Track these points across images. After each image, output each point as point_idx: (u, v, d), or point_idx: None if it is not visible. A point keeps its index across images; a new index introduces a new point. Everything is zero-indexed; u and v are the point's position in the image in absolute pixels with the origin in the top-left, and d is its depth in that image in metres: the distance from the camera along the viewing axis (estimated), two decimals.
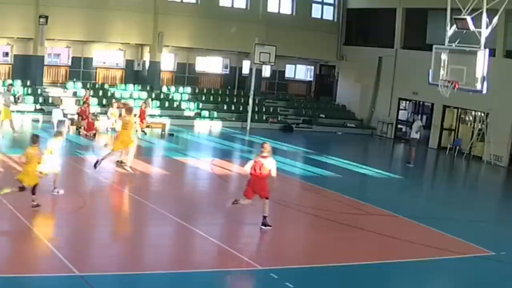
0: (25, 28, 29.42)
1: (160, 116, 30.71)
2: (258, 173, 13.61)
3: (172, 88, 34.39)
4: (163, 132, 27.74)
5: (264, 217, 13.77)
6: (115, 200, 15.98)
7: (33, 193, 13.58)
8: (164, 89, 34.10)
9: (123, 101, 24.62)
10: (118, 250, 12.11)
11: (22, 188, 13.44)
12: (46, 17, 29.25)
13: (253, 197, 13.84)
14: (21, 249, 11.27)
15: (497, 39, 27.31)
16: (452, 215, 17.61)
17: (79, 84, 31.55)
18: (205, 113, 33.24)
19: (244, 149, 26.83)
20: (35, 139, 14.01)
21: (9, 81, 28.86)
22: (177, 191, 17.80)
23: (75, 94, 30.61)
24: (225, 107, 34.29)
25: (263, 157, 13.63)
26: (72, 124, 26.04)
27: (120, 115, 27.33)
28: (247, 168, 13.93)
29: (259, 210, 16.33)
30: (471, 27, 17.97)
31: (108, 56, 34.07)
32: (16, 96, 28.06)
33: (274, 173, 13.74)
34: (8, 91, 24.71)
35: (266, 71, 37.64)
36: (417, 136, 26.06)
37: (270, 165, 13.63)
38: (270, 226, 13.75)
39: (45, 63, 31.26)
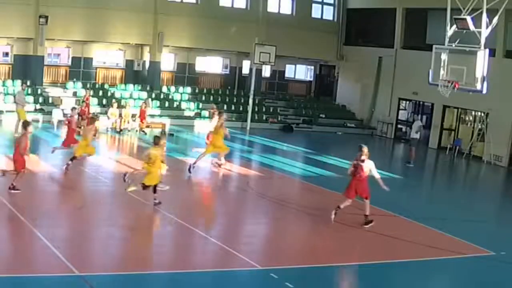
0: (25, 28, 29.43)
1: (160, 116, 30.73)
2: (358, 176, 14.46)
3: (172, 88, 34.41)
4: (163, 132, 27.70)
5: (366, 216, 14.58)
6: (115, 200, 15.97)
7: (155, 192, 14.55)
8: (164, 89, 34.11)
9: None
10: (118, 250, 12.11)
11: (145, 187, 14.51)
12: (46, 17, 29.26)
13: (354, 196, 14.64)
14: (21, 249, 11.28)
15: (497, 39, 27.32)
16: (452, 215, 17.61)
17: (79, 84, 31.56)
18: (205, 113, 33.23)
19: (244, 149, 26.81)
20: (157, 140, 14.86)
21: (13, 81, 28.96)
22: (177, 191, 17.79)
23: (75, 94, 30.62)
24: (225, 107, 34.27)
25: (362, 160, 14.46)
26: None
27: (120, 115, 27.43)
28: (349, 171, 14.74)
29: (259, 210, 16.37)
30: (471, 27, 17.97)
31: (108, 56, 34.08)
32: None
33: (376, 174, 14.64)
34: (22, 91, 24.57)
35: (266, 71, 37.65)
36: (417, 136, 26.06)
37: (369, 167, 14.50)
38: (371, 222, 14.55)
39: (45, 63, 31.27)
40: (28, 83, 29.66)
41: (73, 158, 17.62)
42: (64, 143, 19.02)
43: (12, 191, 14.49)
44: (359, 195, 14.67)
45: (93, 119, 19.89)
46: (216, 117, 20.27)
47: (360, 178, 14.52)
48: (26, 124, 15.22)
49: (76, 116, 20.22)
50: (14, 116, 24.34)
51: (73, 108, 20.72)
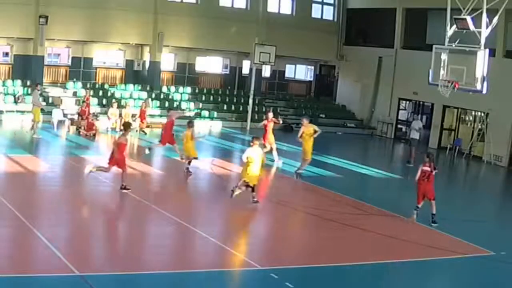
0: (25, 28, 29.42)
1: (160, 116, 30.69)
2: (426, 180, 15.51)
3: (172, 88, 34.40)
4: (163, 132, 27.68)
5: (433, 215, 15.51)
6: (115, 200, 15.97)
7: (253, 191, 15.41)
8: (164, 89, 34.11)
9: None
10: (118, 250, 12.11)
11: (248, 186, 15.44)
12: (46, 17, 29.26)
13: (422, 201, 15.62)
14: (21, 249, 11.28)
15: (497, 39, 27.32)
16: (452, 215, 17.58)
17: (79, 84, 31.55)
18: (205, 113, 33.23)
19: (244, 149, 26.74)
20: (254, 141, 15.47)
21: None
22: (177, 191, 17.81)
23: (75, 94, 30.61)
24: (225, 107, 34.29)
25: (427, 166, 15.59)
26: (72, 124, 26.04)
27: (120, 115, 27.41)
28: (417, 177, 15.67)
29: (259, 210, 16.37)
30: (471, 27, 17.96)
31: (108, 56, 34.07)
32: (16, 96, 28.11)
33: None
34: (36, 91, 24.48)
35: (266, 71, 37.65)
36: (417, 136, 26.05)
37: (433, 171, 15.62)
38: (437, 223, 15.45)
39: (45, 63, 31.27)
40: (28, 83, 29.70)
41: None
42: (162, 141, 20.53)
43: (124, 190, 15.61)
44: (427, 198, 15.55)
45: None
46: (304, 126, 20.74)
47: (427, 182, 15.46)
48: (126, 126, 16.44)
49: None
50: (30, 116, 24.31)
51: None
